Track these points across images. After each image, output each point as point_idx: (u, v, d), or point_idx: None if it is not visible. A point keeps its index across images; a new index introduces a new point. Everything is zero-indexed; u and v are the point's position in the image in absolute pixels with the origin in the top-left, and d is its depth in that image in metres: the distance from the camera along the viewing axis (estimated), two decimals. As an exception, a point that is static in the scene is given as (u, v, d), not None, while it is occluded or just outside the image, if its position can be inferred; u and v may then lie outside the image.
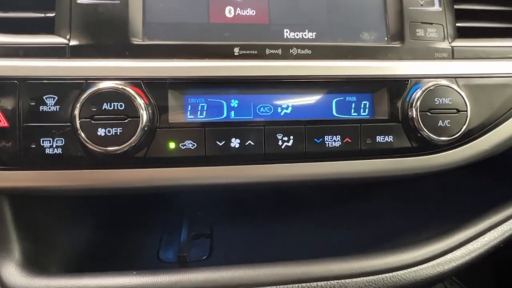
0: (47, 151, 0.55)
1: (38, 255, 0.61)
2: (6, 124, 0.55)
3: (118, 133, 0.54)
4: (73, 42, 0.57)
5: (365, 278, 0.62)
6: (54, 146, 0.55)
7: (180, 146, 0.57)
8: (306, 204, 0.84)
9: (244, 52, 0.60)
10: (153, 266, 0.66)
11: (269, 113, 0.61)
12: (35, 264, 0.60)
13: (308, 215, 0.82)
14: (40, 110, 0.55)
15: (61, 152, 0.55)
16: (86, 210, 0.74)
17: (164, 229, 0.77)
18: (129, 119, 0.54)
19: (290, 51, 0.61)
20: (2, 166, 0.55)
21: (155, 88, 0.57)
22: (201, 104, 0.60)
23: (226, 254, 0.72)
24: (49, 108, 0.55)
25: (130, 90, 0.55)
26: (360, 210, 0.83)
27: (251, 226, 0.79)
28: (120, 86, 0.55)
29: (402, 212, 0.82)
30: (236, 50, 0.61)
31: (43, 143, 0.55)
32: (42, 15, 0.60)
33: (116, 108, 0.54)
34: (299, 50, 0.62)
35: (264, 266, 0.60)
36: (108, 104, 0.54)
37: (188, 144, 0.57)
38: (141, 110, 0.54)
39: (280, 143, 0.59)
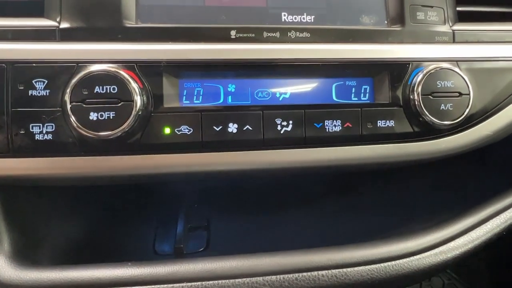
0: (37, 137, 0.53)
1: (28, 247, 0.59)
2: (-6, 109, 0.53)
3: (111, 118, 0.52)
4: (63, 25, 0.55)
5: (367, 267, 0.61)
6: (44, 132, 0.53)
7: (176, 131, 0.55)
8: (304, 195, 0.82)
9: (241, 35, 0.59)
10: (148, 259, 0.63)
11: (267, 98, 0.59)
12: (25, 256, 0.57)
13: (306, 205, 0.80)
14: (29, 94, 0.53)
15: (51, 138, 0.53)
16: (78, 201, 0.71)
17: (159, 221, 0.75)
18: (122, 103, 0.52)
19: (288, 34, 0.60)
20: (-7, 153, 0.54)
21: (149, 71, 0.55)
22: (197, 88, 0.58)
23: (223, 246, 0.70)
24: (39, 93, 0.53)
25: (123, 73, 0.53)
26: (359, 199, 0.81)
27: (248, 218, 0.77)
28: (113, 69, 0.52)
29: (403, 200, 0.80)
30: (233, 33, 0.59)
31: (32, 128, 0.53)
32: (32, -2, 0.58)
33: (108, 91, 0.52)
34: (297, 33, 0.60)
35: (263, 256, 0.58)
36: (100, 87, 0.52)
37: (184, 129, 0.55)
38: (135, 94, 0.52)
39: (279, 128, 0.57)
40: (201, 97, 0.58)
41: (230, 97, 0.58)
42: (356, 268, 0.58)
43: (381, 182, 0.81)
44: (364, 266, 0.61)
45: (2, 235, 0.58)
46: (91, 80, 0.52)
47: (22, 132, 0.53)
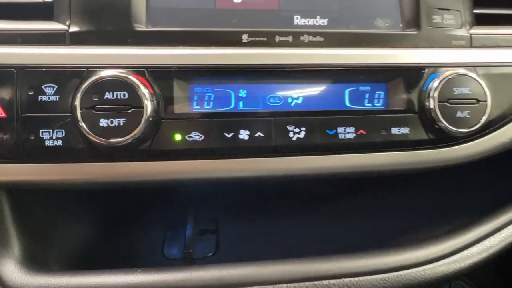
0: (46, 143, 0.52)
1: (38, 252, 0.59)
2: (3, 115, 0.52)
3: (121, 124, 0.51)
4: (73, 29, 0.54)
5: (379, 276, 0.60)
6: (54, 137, 0.52)
7: (186, 138, 0.54)
8: (314, 198, 0.81)
9: (252, 39, 0.57)
10: (157, 263, 0.63)
11: (279, 104, 0.58)
12: (35, 261, 0.57)
13: (316, 210, 0.79)
14: (39, 99, 0.52)
15: (61, 144, 0.52)
16: (86, 205, 0.71)
17: (167, 224, 0.75)
18: (133, 109, 0.51)
19: (301, 38, 0.58)
20: (2, 159, 0.53)
21: (160, 76, 0.54)
22: (207, 94, 0.57)
23: (233, 250, 0.70)
24: (49, 98, 0.52)
25: (134, 79, 0.52)
26: (370, 203, 0.80)
27: (257, 222, 0.77)
28: (123, 75, 0.52)
29: (415, 206, 0.79)
30: (244, 37, 0.58)
31: (42, 134, 0.52)
32: (41, 0, 0.57)
33: (119, 97, 0.51)
34: (310, 37, 0.59)
35: (273, 263, 0.57)
36: (111, 93, 0.51)
37: (195, 136, 0.55)
38: (145, 100, 0.52)
39: (290, 135, 0.56)
40: (212, 102, 0.57)
41: (241, 102, 0.57)
42: (368, 277, 0.57)
43: (392, 186, 0.79)
44: (376, 275, 0.60)
45: (12, 239, 0.58)
46: (101, 86, 0.51)
47: (31, 137, 0.52)
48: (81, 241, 0.67)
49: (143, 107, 0.52)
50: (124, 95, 0.51)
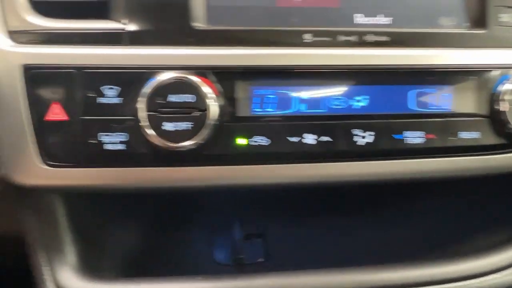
0: (107, 146, 0.50)
1: (92, 258, 0.58)
2: (65, 118, 0.50)
3: (186, 128, 0.49)
4: (130, 28, 0.52)
5: (439, 286, 0.58)
6: (114, 141, 0.50)
7: (250, 142, 0.52)
8: (362, 200, 0.79)
9: (315, 39, 0.55)
10: (209, 268, 0.62)
11: (343, 106, 0.56)
12: (89, 267, 0.56)
13: (364, 212, 0.77)
14: (100, 102, 0.50)
15: (122, 148, 0.50)
16: (135, 208, 0.70)
17: (213, 228, 0.74)
18: (197, 112, 0.50)
19: (366, 38, 0.56)
20: (58, 163, 0.51)
21: (223, 78, 0.52)
22: (269, 95, 0.55)
23: (282, 256, 0.68)
24: (109, 100, 0.50)
25: (198, 81, 0.50)
26: (424, 209, 0.77)
27: (306, 225, 0.75)
28: (188, 76, 0.50)
29: (464, 211, 0.77)
30: (307, 36, 0.55)
31: (103, 138, 0.50)
32: (97, -2, 0.55)
33: (184, 100, 0.49)
34: (375, 37, 0.56)
35: (335, 271, 0.56)
36: (176, 95, 0.49)
37: (259, 140, 0.53)
38: (211, 103, 0.50)
39: (356, 139, 0.54)
40: (274, 105, 0.54)
41: (304, 105, 0.55)
42: (437, 287, 0.55)
43: (447, 191, 0.77)
44: (436, 286, 0.58)
45: (68, 246, 0.56)
46: (166, 88, 0.49)
47: (92, 141, 0.51)
48: (131, 246, 0.65)
49: (208, 110, 0.50)
50: (189, 97, 0.49)
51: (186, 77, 0.50)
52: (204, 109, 0.50)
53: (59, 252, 0.55)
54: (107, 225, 0.64)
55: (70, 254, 0.56)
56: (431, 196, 0.78)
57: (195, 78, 0.50)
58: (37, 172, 0.52)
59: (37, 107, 0.50)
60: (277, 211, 0.77)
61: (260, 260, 0.67)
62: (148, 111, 0.49)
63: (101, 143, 0.50)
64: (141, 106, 0.49)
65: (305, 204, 0.77)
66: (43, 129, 0.50)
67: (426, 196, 0.77)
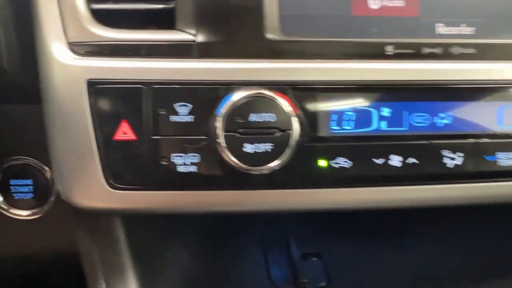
0: (179, 168, 0.47)
1: (152, 283, 0.54)
2: (133, 137, 0.46)
3: (268, 150, 0.45)
4: (200, 39, 0.48)
5: None
6: (187, 162, 0.47)
7: (332, 163, 0.48)
8: (427, 217, 0.75)
9: (398, 51, 0.51)
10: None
11: (426, 124, 0.51)
12: (150, 292, 0.53)
13: (429, 230, 0.73)
14: (171, 120, 0.46)
15: (195, 170, 0.47)
16: (190, 225, 0.66)
17: (267, 246, 0.70)
18: (279, 132, 0.46)
19: (451, 50, 0.52)
20: (125, 185, 0.47)
21: (303, 94, 0.48)
22: (347, 113, 0.51)
23: (344, 279, 0.64)
24: (182, 118, 0.46)
25: (280, 98, 0.46)
26: (491, 224, 0.73)
27: (363, 244, 0.71)
28: (268, 93, 0.46)
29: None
30: (389, 48, 0.51)
31: (174, 159, 0.47)
32: (161, 6, 0.51)
33: (264, 119, 0.46)
34: (461, 49, 0.52)
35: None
36: (256, 114, 0.45)
37: (341, 161, 0.49)
38: (293, 122, 0.46)
39: (446, 161, 0.50)
40: (352, 122, 0.51)
41: (384, 122, 0.51)
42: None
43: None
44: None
45: (129, 271, 0.53)
46: (246, 106, 0.45)
47: (162, 162, 0.47)
48: (188, 266, 0.62)
49: (291, 130, 0.46)
50: (270, 116, 0.46)
51: (268, 94, 0.46)
52: (285, 129, 0.46)
53: (120, 279, 0.52)
54: (163, 245, 0.61)
55: (132, 279, 0.53)
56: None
57: (277, 95, 0.46)
58: (101, 195, 0.48)
59: (102, 125, 0.46)
60: (334, 229, 0.73)
61: (322, 284, 0.63)
62: (226, 131, 0.45)
63: (174, 165, 0.46)
64: (219, 125, 0.45)
65: (364, 222, 0.74)
66: (108, 149, 0.47)
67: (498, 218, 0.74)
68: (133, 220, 0.55)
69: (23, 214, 0.64)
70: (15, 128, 0.64)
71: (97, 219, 0.54)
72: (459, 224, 0.73)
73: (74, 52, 0.47)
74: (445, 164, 0.50)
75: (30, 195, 0.62)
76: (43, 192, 0.62)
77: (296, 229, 0.73)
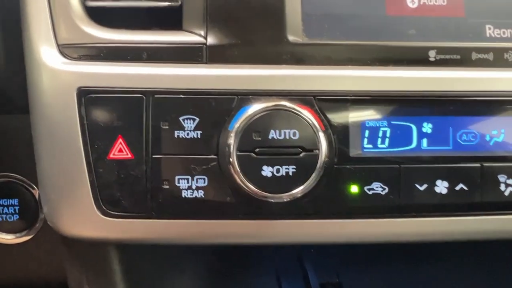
0: (183, 193, 0.40)
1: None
2: (129, 156, 0.40)
3: (290, 174, 0.38)
4: (211, 41, 0.41)
5: None
6: (193, 186, 0.40)
7: (365, 190, 0.41)
8: (452, 250, 0.67)
9: (443, 56, 0.44)
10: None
11: (473, 142, 0.44)
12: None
13: (452, 256, 0.65)
14: (176, 136, 0.39)
15: (203, 196, 0.40)
16: (194, 254, 0.59)
17: (280, 274, 0.62)
18: (305, 153, 0.39)
19: (505, 56, 0.45)
20: (120, 212, 0.40)
21: (332, 107, 0.40)
22: (382, 128, 0.44)
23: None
24: (188, 134, 0.39)
25: (303, 111, 0.39)
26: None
27: (383, 272, 0.63)
28: (290, 105, 0.39)
29: None
30: (432, 53, 0.44)
31: (179, 182, 0.40)
32: (166, 3, 0.45)
33: (287, 137, 0.38)
34: (517, 55, 0.45)
35: None
36: (276, 131, 0.38)
37: (377, 187, 0.41)
38: (321, 140, 0.39)
39: (502, 187, 0.43)
40: (387, 140, 0.43)
41: (425, 140, 0.44)
42: None
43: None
44: None
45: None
46: (264, 121, 0.38)
47: (165, 186, 0.40)
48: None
49: (318, 150, 0.39)
50: (293, 133, 0.39)
51: (289, 107, 0.39)
52: (311, 148, 0.39)
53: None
54: (164, 274, 0.54)
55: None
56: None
57: (300, 108, 0.39)
58: (91, 222, 0.41)
59: (95, 141, 0.40)
60: (356, 256, 0.66)
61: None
62: (239, 150, 0.38)
63: (178, 189, 0.39)
64: (231, 142, 0.38)
65: (383, 250, 0.66)
66: (101, 170, 0.40)
67: None
68: (131, 248, 0.49)
69: (7, 238, 0.58)
70: (-1, 141, 0.58)
71: (88, 247, 0.47)
72: (491, 256, 0.65)
73: (65, 55, 0.41)
74: (503, 192, 0.42)
75: (16, 217, 0.56)
76: (30, 213, 0.56)
77: (313, 256, 0.66)
